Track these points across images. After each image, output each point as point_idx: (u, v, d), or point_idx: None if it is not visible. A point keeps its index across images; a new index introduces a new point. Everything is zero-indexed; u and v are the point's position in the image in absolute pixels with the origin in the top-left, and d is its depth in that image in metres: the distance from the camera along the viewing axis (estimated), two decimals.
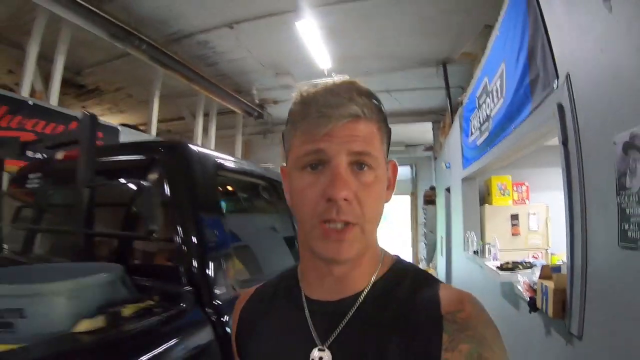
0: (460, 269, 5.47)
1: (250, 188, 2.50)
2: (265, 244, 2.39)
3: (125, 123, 9.45)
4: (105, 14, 5.04)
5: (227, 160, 2.03)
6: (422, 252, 10.44)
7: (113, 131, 5.88)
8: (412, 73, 6.67)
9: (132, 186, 1.71)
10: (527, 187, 5.05)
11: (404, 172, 11.67)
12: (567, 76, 1.68)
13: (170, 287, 1.46)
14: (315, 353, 0.60)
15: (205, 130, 8.60)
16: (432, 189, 9.58)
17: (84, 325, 1.11)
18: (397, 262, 0.68)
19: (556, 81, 1.78)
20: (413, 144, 11.02)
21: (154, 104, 7.10)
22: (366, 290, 0.63)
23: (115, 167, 1.88)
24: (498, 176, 4.91)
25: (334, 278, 0.63)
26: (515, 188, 5.04)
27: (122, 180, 1.81)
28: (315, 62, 6.04)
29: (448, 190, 6.38)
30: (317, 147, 0.57)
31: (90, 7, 4.86)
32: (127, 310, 1.21)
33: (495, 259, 3.48)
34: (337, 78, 0.62)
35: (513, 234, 4.83)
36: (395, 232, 12.10)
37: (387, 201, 0.65)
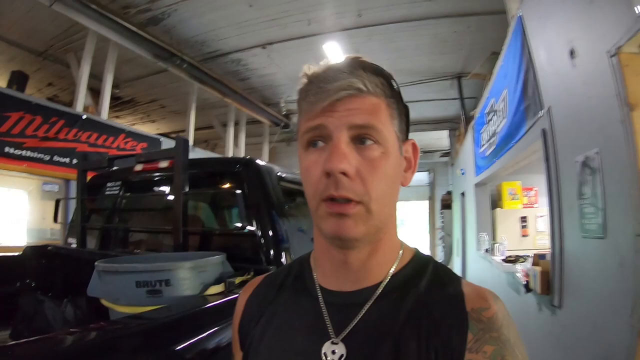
0: (474, 267, 5.95)
1: (291, 194, 3.06)
2: (298, 244, 2.91)
3: (159, 132, 10.20)
4: (150, 36, 5.75)
5: (283, 172, 2.59)
6: (440, 255, 10.74)
7: (156, 141, 6.57)
8: (429, 86, 7.19)
9: (220, 192, 2.29)
10: (536, 191, 5.48)
11: (421, 177, 12.19)
12: (549, 109, 2.21)
13: (257, 267, 2.02)
14: (329, 346, 0.58)
15: (235, 138, 9.24)
16: (449, 193, 9.89)
17: (212, 290, 1.65)
18: (417, 254, 0.66)
19: (541, 111, 2.31)
20: (430, 150, 11.45)
21: (191, 116, 7.76)
22: (385, 282, 0.60)
23: (204, 177, 2.46)
24: (509, 182, 5.37)
25: (349, 267, 0.60)
26: (524, 193, 5.50)
27: (210, 188, 2.41)
28: None
29: (463, 194, 6.85)
30: (318, 123, 0.55)
31: (137, 30, 5.56)
32: (237, 280, 1.77)
33: (503, 255, 3.97)
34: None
35: (523, 235, 5.27)
36: (413, 237, 12.40)
37: (405, 184, 0.63)
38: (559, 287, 2.15)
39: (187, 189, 2.31)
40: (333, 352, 0.57)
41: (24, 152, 4.73)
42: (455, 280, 0.60)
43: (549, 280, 2.25)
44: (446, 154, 10.63)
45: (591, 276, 1.80)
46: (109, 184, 3.09)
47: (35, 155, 4.85)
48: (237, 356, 0.69)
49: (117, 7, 5.29)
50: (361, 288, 0.60)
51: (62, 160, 5.11)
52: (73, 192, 5.32)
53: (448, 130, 9.52)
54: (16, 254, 3.02)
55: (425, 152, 11.59)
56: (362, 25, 5.36)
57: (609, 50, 1.51)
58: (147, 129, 10.16)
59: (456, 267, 8.41)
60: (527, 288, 2.57)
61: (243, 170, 2.29)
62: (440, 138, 10.08)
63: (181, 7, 5.21)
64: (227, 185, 2.35)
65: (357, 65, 0.56)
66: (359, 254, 0.59)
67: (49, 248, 2.96)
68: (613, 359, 1.58)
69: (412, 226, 12.63)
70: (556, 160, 2.14)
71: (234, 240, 2.30)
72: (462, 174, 6.57)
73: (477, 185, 5.34)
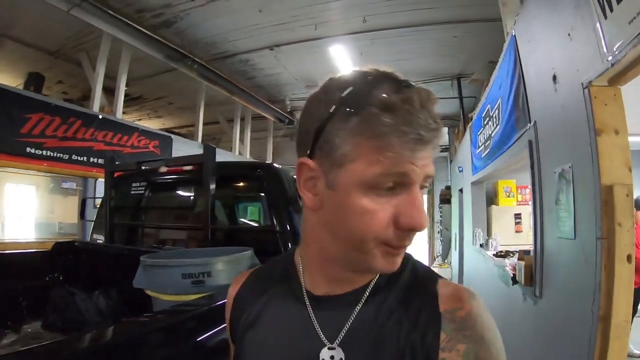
0: (470, 261, 6.27)
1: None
2: None
3: (165, 127, 10.47)
4: (162, 38, 6.04)
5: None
6: (438, 249, 11.00)
7: (167, 139, 6.85)
8: (430, 85, 7.44)
9: (243, 193, 2.60)
10: (530, 189, 5.78)
11: None
12: (535, 123, 2.50)
13: None
14: (326, 352, 0.58)
15: (240, 133, 9.52)
16: (448, 188, 10.10)
17: None
18: None
19: (529, 124, 2.60)
20: None
21: (200, 113, 8.06)
22: (372, 283, 0.61)
23: (227, 179, 2.75)
24: (504, 180, 5.66)
25: (343, 276, 0.61)
26: (519, 191, 5.80)
27: (233, 189, 2.71)
28: None
29: (461, 191, 7.16)
30: (403, 171, 0.50)
31: (150, 33, 5.85)
32: None
33: (496, 250, 4.29)
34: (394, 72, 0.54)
35: (516, 231, 5.58)
36: None
37: None
38: (539, 279, 2.45)
39: (213, 192, 2.61)
40: (332, 358, 0.57)
41: (44, 152, 5.02)
42: (431, 280, 0.61)
43: (532, 273, 2.56)
44: (446, 149, 10.87)
45: (565, 271, 2.11)
46: (133, 184, 3.35)
47: (55, 154, 5.15)
48: (231, 347, 0.72)
49: (131, 11, 5.56)
50: (349, 291, 0.61)
51: (80, 159, 5.41)
52: (90, 189, 5.64)
53: (448, 127, 9.76)
54: (45, 249, 3.28)
55: None
56: (367, 30, 5.62)
57: (583, 82, 1.80)
58: (154, 124, 10.44)
59: (454, 262, 8.73)
60: (514, 280, 2.88)
61: (263, 173, 2.59)
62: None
63: (193, 12, 5.46)
64: (248, 187, 2.65)
65: (439, 116, 0.51)
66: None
67: (76, 244, 3.18)
68: (581, 341, 1.88)
69: None
70: (539, 169, 2.44)
71: (255, 235, 2.60)
72: (460, 171, 6.86)
73: (474, 183, 5.64)
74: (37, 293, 2.84)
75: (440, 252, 10.79)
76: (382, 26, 5.56)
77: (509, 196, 5.78)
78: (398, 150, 0.48)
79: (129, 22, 5.52)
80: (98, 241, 3.41)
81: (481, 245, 4.97)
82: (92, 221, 3.85)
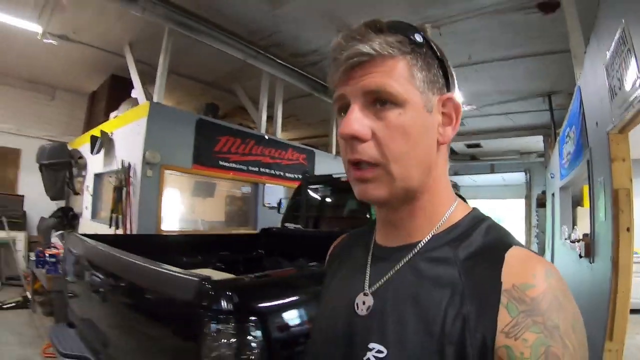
0: (558, 254, 7.31)
1: None
2: None
3: (289, 138, 12.47)
4: (309, 74, 7.77)
5: None
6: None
7: (311, 153, 8.68)
8: (524, 102, 8.45)
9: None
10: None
11: (518, 177, 13.11)
12: (590, 148, 3.80)
13: None
14: (361, 297, 0.63)
15: None
16: (544, 193, 10.64)
17: None
18: (472, 214, 0.64)
19: (588, 149, 3.89)
20: (527, 152, 12.34)
21: (333, 130, 9.70)
22: (423, 242, 0.61)
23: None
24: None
25: (392, 225, 0.65)
26: None
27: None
28: None
29: (553, 195, 8.13)
30: (339, 93, 0.59)
31: (300, 70, 7.57)
32: None
33: (574, 239, 5.44)
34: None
35: None
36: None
37: (444, 141, 0.62)
38: (592, 251, 3.76)
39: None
40: (363, 303, 0.61)
41: (231, 165, 6.73)
42: (503, 246, 0.55)
43: (588, 248, 3.86)
44: (541, 155, 11.48)
45: (604, 241, 3.44)
46: (318, 187, 4.93)
47: (237, 166, 6.84)
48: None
49: (286, 55, 7.03)
50: (401, 245, 0.64)
51: (253, 169, 7.18)
52: (260, 194, 7.44)
53: (542, 136, 10.47)
54: (253, 232, 4.74)
55: (522, 153, 12.50)
56: (471, 63, 6.92)
57: (607, 130, 3.14)
58: (283, 135, 12.42)
59: (546, 259, 9.53)
60: (580, 255, 4.16)
61: None
62: (537, 140, 11.01)
63: None
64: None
65: (371, 29, 0.56)
66: (398, 213, 0.63)
67: (273, 229, 4.59)
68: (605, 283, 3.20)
69: (510, 223, 13.14)
70: (592, 179, 3.74)
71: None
72: (552, 177, 7.85)
73: (562, 188, 6.72)
74: (251, 263, 4.05)
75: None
76: (484, 60, 6.74)
77: None
78: (331, 78, 0.61)
79: (285, 64, 7.11)
80: (291, 227, 4.79)
81: (566, 239, 6.10)
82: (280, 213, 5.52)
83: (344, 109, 0.59)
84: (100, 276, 2.21)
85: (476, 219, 0.63)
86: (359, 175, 0.59)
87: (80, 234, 2.88)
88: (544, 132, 10.29)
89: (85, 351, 2.27)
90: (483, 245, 0.58)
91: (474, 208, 0.67)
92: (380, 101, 0.57)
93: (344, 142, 0.58)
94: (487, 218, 0.64)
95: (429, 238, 0.62)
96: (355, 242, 0.79)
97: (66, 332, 2.58)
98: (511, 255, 0.54)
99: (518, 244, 0.57)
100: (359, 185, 0.59)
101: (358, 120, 0.56)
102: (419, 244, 0.62)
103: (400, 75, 0.57)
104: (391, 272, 0.62)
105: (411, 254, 0.61)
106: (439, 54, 0.63)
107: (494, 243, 0.58)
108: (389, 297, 0.60)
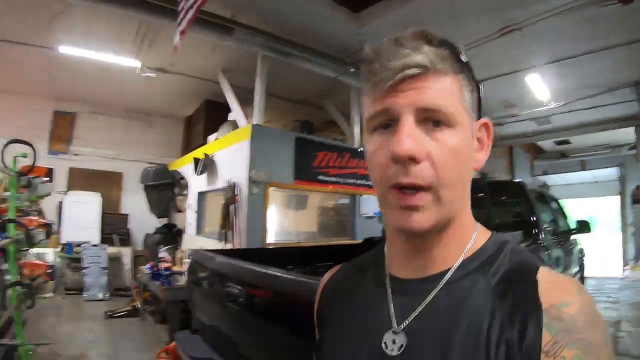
0: None
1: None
2: None
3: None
4: None
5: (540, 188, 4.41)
6: (630, 252, 10.61)
7: (361, 154, 8.10)
8: (611, 94, 8.02)
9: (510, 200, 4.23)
10: None
11: (609, 173, 12.04)
12: None
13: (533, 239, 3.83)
14: (390, 336, 0.57)
15: None
16: (638, 188, 10.01)
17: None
18: (492, 239, 0.62)
19: None
20: (618, 145, 11.52)
21: None
22: (452, 270, 0.57)
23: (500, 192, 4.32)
24: None
25: (417, 255, 0.59)
26: None
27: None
28: (535, 95, 7.98)
29: None
30: (383, 107, 0.52)
31: None
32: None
33: None
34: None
35: None
36: (602, 236, 11.73)
37: (477, 167, 0.59)
38: None
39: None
40: (393, 342, 0.56)
41: (329, 178, 6.73)
42: (532, 266, 0.55)
43: None
44: (633, 147, 10.64)
45: None
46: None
47: (335, 179, 6.81)
48: (318, 337, 0.73)
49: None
50: (428, 275, 0.58)
51: (350, 181, 7.09)
52: (357, 205, 7.35)
53: (634, 127, 9.71)
54: (357, 242, 4.80)
55: (612, 146, 11.69)
56: (556, 60, 6.74)
57: None
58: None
59: None
60: None
61: (519, 187, 4.23)
62: (628, 132, 10.11)
63: None
64: (510, 197, 4.28)
65: (423, 39, 0.52)
66: (428, 242, 0.58)
67: (375, 239, 4.52)
68: None
69: (603, 224, 12.25)
70: None
71: (519, 225, 4.09)
72: None
73: None
74: None
75: (633, 255, 10.48)
76: (567, 56, 6.49)
77: None
78: (374, 88, 0.53)
79: None
80: None
81: None
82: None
83: (384, 125, 0.55)
84: (232, 285, 2.28)
85: (499, 242, 0.61)
86: (408, 202, 0.53)
87: (207, 250, 3.03)
88: (635, 122, 9.60)
89: (214, 354, 2.39)
90: (511, 269, 0.56)
91: (493, 230, 0.65)
92: (434, 120, 0.53)
93: (391, 162, 0.53)
94: (508, 241, 0.62)
95: (457, 265, 0.58)
96: (356, 276, 0.72)
97: (192, 338, 2.70)
98: (542, 276, 0.54)
99: (542, 264, 0.56)
100: (404, 213, 0.53)
101: (414, 139, 0.51)
102: (448, 273, 0.58)
103: (454, 94, 0.54)
104: (421, 307, 0.57)
105: (440, 285, 0.57)
106: (475, 78, 0.61)
107: (521, 266, 0.57)
108: (423, 333, 0.55)
